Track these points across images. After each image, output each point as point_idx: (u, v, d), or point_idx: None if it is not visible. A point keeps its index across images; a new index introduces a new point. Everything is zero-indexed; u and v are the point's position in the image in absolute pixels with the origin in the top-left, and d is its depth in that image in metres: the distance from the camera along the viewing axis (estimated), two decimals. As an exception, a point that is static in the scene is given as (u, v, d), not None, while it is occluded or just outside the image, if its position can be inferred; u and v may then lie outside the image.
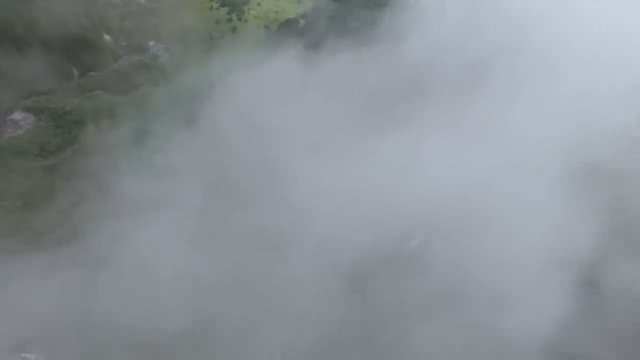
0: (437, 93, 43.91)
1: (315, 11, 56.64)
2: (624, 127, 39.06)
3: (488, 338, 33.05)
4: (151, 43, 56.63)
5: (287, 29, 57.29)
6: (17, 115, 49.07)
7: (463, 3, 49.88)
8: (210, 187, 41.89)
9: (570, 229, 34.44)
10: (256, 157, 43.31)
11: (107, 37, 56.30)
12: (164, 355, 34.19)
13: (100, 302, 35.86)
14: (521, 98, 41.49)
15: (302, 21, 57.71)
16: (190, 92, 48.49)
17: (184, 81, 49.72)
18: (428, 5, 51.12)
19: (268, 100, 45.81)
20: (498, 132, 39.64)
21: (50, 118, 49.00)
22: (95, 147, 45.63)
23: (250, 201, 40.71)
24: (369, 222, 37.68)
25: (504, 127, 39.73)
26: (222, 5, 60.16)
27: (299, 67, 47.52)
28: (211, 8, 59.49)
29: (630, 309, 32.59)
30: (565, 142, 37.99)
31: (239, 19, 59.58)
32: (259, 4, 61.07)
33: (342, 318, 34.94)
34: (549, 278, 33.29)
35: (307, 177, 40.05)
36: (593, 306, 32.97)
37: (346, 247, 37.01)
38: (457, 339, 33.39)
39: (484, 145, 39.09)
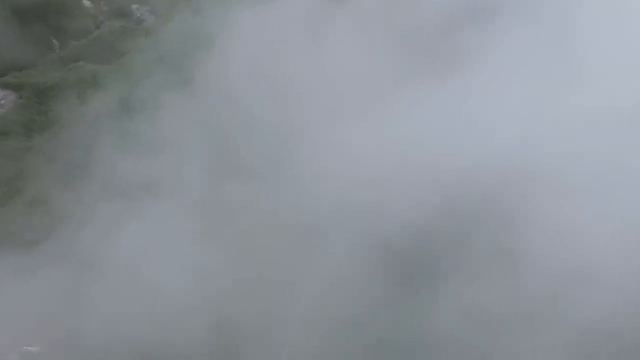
0: (494, 23, 37.73)
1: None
2: None
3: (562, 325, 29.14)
4: (134, 6, 54.64)
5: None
6: (-3, 94, 46.96)
7: None
8: (216, 163, 38.00)
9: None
10: (269, 122, 38.78)
11: (86, 3, 54.36)
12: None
13: (93, 303, 33.13)
14: (598, 28, 35.21)
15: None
16: (183, 54, 45.24)
17: (175, 43, 46.55)
18: None
19: (279, 49, 40.77)
20: (569, 71, 34.06)
21: (32, 94, 46.64)
22: (83, 124, 43.10)
23: (266, 177, 36.54)
24: (414, 190, 33.20)
25: (576, 65, 34.19)
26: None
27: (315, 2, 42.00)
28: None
29: None
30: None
31: (233, -34, 55.35)
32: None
33: (382, 317, 31.14)
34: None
35: (335, 141, 35.54)
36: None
37: (388, 225, 32.81)
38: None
39: (555, 89, 33.60)
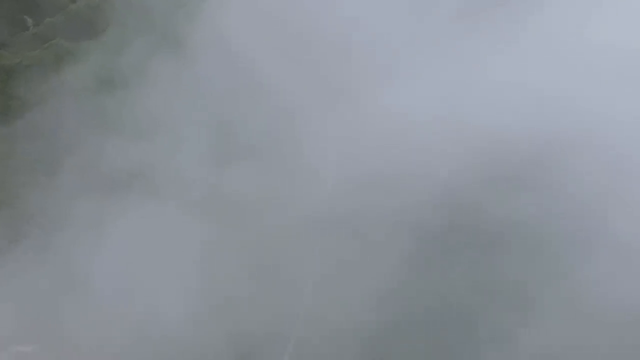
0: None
1: None
2: None
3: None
4: (112, -24, 51.57)
5: None
6: (-31, 78, 44.14)
7: None
8: (215, 145, 34.42)
9: None
10: (276, 91, 34.92)
11: (59, -25, 50.91)
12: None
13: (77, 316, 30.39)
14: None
15: None
16: (169, 21, 42.01)
17: (159, 9, 43.23)
18: None
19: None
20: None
21: (5, 77, 44.22)
22: (62, 107, 40.23)
23: (272, 160, 32.91)
24: (450, 159, 30.10)
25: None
26: None
27: None
28: None
29: None
30: None
31: None
32: None
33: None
34: None
35: (355, 109, 31.93)
36: None
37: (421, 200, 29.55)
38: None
39: (615, 46, 30.50)
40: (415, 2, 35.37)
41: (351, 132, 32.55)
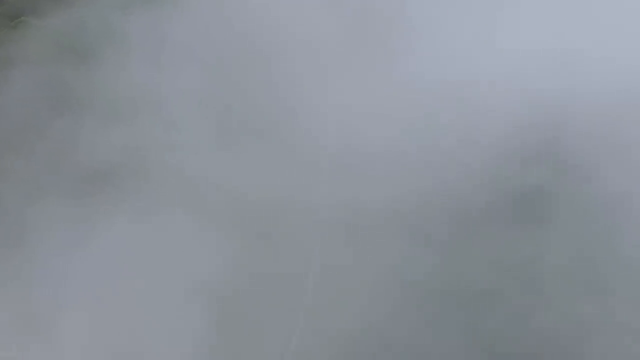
0: None
1: None
2: None
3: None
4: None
5: None
6: None
7: None
8: (208, 127, 31.79)
9: None
10: (280, 57, 32.66)
11: (22, -51, 48.83)
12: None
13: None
14: None
15: None
16: None
17: None
18: None
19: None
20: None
21: None
22: (32, 89, 38.27)
23: (276, 141, 30.82)
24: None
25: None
26: None
27: None
28: None
29: None
30: None
31: None
32: None
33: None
34: None
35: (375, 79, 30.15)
36: None
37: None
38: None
39: None
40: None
41: (360, 106, 30.45)
